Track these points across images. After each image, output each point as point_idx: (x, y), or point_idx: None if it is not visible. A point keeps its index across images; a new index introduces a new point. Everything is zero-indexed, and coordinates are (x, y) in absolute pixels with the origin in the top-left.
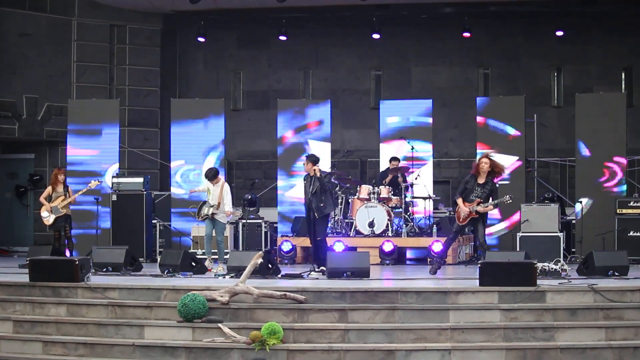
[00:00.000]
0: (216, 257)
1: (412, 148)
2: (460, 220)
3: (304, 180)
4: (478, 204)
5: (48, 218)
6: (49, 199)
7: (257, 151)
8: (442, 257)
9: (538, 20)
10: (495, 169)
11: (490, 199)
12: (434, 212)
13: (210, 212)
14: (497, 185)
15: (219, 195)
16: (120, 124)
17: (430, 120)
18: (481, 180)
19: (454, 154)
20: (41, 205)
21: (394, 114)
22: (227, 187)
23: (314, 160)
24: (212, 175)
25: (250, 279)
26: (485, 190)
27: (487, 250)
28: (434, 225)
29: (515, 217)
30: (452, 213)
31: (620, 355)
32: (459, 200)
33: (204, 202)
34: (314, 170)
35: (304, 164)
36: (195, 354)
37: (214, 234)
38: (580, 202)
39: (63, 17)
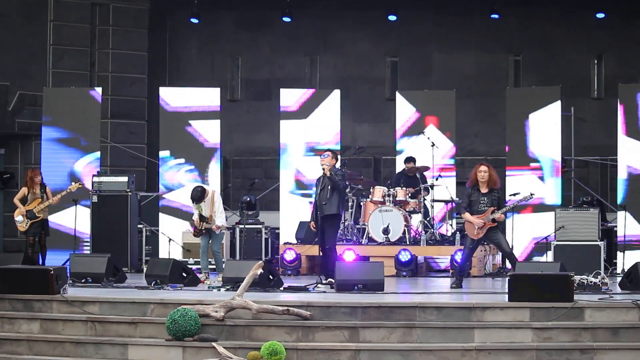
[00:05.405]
0: (213, 267)
1: (433, 145)
2: (475, 234)
3: (316, 183)
4: (493, 212)
5: (23, 223)
6: (24, 200)
7: (257, 147)
8: (462, 273)
9: (576, 1)
10: (490, 181)
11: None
12: (456, 217)
13: (203, 228)
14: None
15: (210, 208)
16: (102, 115)
17: (453, 113)
18: (484, 190)
19: (480, 151)
20: (14, 208)
21: (412, 105)
22: (218, 196)
23: (336, 157)
24: (199, 197)
25: (248, 291)
26: (492, 197)
27: (515, 261)
28: (457, 232)
29: None
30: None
31: None
32: (467, 215)
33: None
34: (324, 169)
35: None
36: None
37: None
38: (624, 207)
39: None
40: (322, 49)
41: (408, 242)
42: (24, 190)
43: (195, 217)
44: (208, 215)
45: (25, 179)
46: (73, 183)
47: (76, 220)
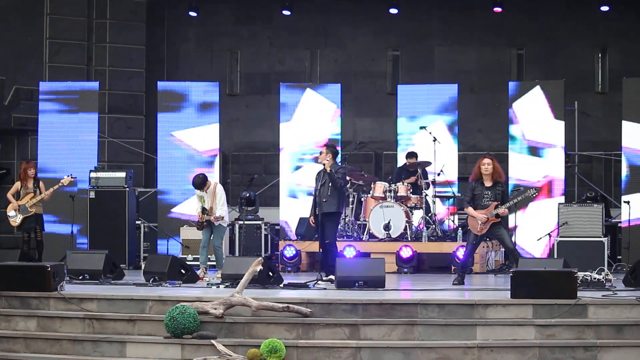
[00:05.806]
0: (213, 263)
1: (435, 139)
2: (478, 230)
3: (316, 178)
4: (496, 207)
5: (15, 218)
6: (17, 195)
7: (257, 142)
8: (464, 269)
9: None
10: (494, 173)
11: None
12: (459, 213)
13: (204, 219)
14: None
15: (212, 200)
16: (99, 110)
17: (455, 107)
18: (488, 183)
19: (482, 146)
20: (8, 203)
21: (414, 100)
22: (220, 188)
23: (334, 151)
24: (200, 183)
25: (248, 288)
26: (496, 191)
27: (518, 257)
28: (459, 229)
29: None
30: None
31: None
32: (470, 210)
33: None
34: (324, 164)
35: (319, 155)
36: None
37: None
38: (628, 202)
39: None
40: (322, 43)
41: (409, 238)
42: (17, 185)
43: (198, 210)
44: (209, 207)
45: (19, 172)
46: (65, 177)
47: (73, 216)
